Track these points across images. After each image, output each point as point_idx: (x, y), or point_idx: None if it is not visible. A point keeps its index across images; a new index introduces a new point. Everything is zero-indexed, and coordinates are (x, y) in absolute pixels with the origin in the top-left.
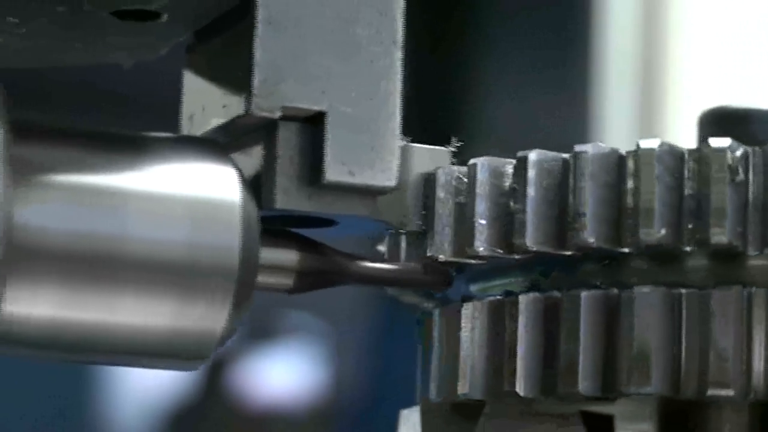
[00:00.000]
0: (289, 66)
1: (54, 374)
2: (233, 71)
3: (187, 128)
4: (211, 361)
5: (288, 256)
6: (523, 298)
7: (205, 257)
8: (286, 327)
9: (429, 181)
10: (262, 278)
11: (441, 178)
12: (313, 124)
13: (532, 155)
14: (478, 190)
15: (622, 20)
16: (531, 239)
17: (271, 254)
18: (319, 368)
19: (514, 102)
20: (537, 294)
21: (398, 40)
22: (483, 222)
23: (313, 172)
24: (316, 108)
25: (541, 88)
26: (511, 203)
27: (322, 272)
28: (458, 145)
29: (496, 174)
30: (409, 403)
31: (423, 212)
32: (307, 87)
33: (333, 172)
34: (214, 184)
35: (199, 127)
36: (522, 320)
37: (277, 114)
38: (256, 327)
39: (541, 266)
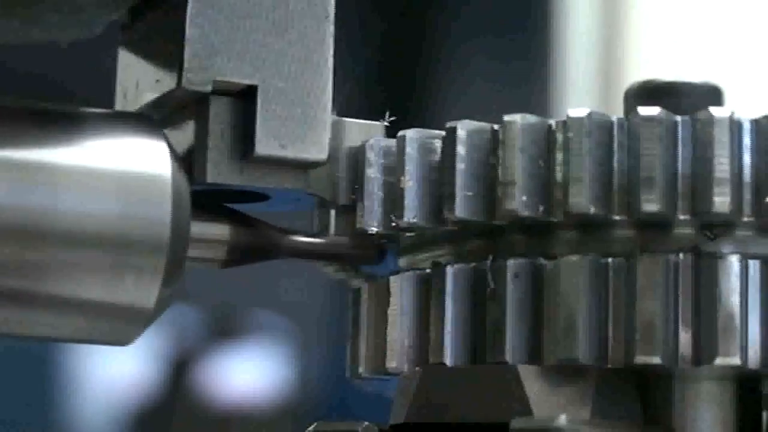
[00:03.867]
0: (220, 41)
1: (18, 374)
2: (166, 47)
3: (121, 104)
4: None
5: (219, 230)
6: (449, 270)
7: (135, 230)
8: (252, 325)
9: (359, 153)
10: (194, 252)
11: (370, 151)
12: (245, 98)
13: (461, 126)
14: (407, 162)
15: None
16: (460, 209)
17: (202, 228)
18: (284, 366)
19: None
20: (464, 265)
21: (330, 14)
22: (411, 193)
23: (244, 146)
24: (248, 82)
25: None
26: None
27: (253, 246)
28: (391, 119)
29: (425, 146)
30: (374, 402)
31: (355, 186)
32: (238, 61)
33: (264, 146)
34: (145, 158)
35: (133, 103)
36: (449, 291)
37: (209, 88)
38: (221, 326)
39: (469, 238)
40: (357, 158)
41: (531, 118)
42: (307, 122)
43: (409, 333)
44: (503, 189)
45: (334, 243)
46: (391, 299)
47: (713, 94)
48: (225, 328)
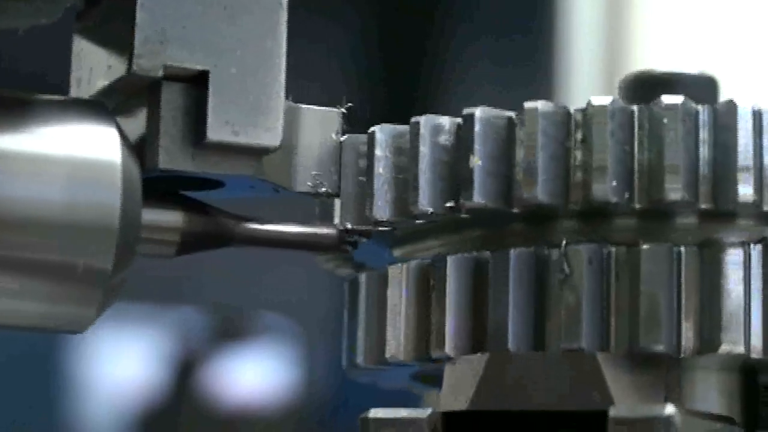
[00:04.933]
0: (171, 26)
1: (23, 376)
2: (119, 33)
3: (75, 91)
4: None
5: (173, 217)
6: (451, 260)
7: (84, 217)
8: (257, 327)
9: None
10: (148, 239)
11: (379, 137)
12: (198, 84)
13: (478, 112)
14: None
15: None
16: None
17: (154, 215)
18: (289, 368)
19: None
20: (465, 254)
21: (283, 0)
22: (382, 189)
23: (196, 132)
24: (200, 68)
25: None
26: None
27: (207, 233)
28: (348, 106)
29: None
30: (377, 404)
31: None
32: (190, 47)
33: (216, 132)
34: (95, 144)
35: (86, 89)
36: (450, 281)
37: (160, 74)
38: (226, 327)
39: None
40: (354, 148)
41: (550, 105)
42: (259, 108)
43: (462, 316)
44: (524, 177)
45: (295, 231)
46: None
47: (708, 85)
48: (230, 330)
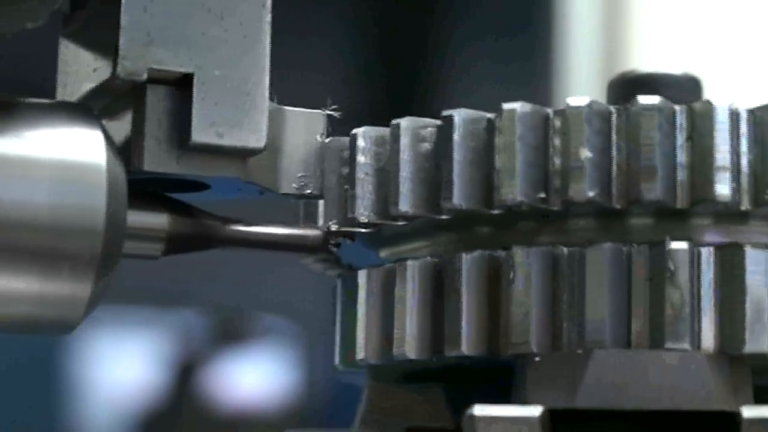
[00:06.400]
0: (156, 29)
1: (24, 379)
2: (104, 36)
3: (61, 94)
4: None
5: (158, 219)
6: (411, 263)
7: (69, 219)
8: (257, 329)
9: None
10: (132, 242)
11: (361, 140)
12: (182, 86)
13: (457, 114)
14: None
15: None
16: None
17: (140, 217)
18: (290, 370)
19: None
20: (427, 258)
21: (267, 2)
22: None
23: (181, 134)
24: (184, 70)
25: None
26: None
27: (192, 235)
28: (334, 108)
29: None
30: None
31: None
32: (174, 49)
33: (201, 134)
34: (79, 147)
35: (72, 93)
36: (410, 285)
37: (144, 76)
38: (227, 329)
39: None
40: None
41: (528, 106)
42: (244, 110)
43: (545, 310)
44: (500, 177)
45: (279, 233)
46: (446, 283)
47: (692, 85)
48: (230, 332)
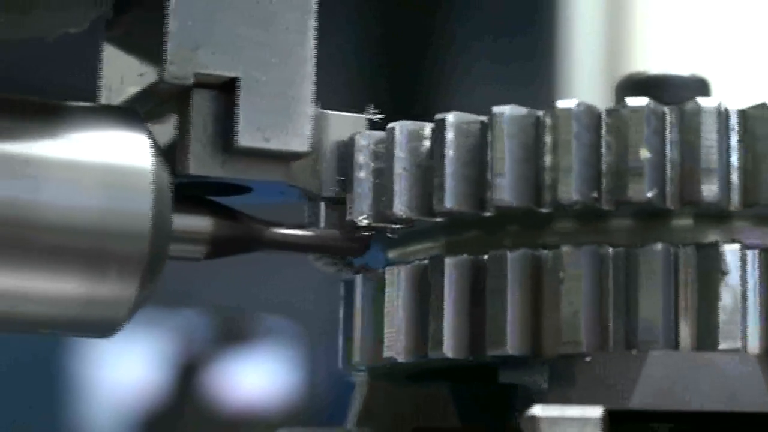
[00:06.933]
0: (202, 34)
1: (26, 379)
2: (149, 41)
3: (105, 98)
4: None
5: (202, 223)
6: (448, 261)
7: (116, 223)
8: (259, 329)
9: (348, 146)
10: (177, 245)
11: (360, 143)
12: (228, 91)
13: (450, 117)
14: (397, 154)
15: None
16: (450, 201)
17: (184, 221)
18: (292, 370)
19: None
20: (463, 257)
21: (312, 7)
22: (401, 186)
23: (226, 138)
24: (230, 74)
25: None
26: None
27: (235, 238)
28: (375, 112)
29: (414, 137)
30: None
31: (341, 178)
32: (220, 54)
33: (246, 138)
34: (126, 150)
35: (117, 96)
36: (447, 283)
37: (191, 81)
38: (229, 329)
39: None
40: (345, 151)
41: (520, 109)
42: (289, 114)
43: (407, 324)
44: (493, 180)
45: (321, 235)
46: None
47: (700, 87)
48: (232, 333)
